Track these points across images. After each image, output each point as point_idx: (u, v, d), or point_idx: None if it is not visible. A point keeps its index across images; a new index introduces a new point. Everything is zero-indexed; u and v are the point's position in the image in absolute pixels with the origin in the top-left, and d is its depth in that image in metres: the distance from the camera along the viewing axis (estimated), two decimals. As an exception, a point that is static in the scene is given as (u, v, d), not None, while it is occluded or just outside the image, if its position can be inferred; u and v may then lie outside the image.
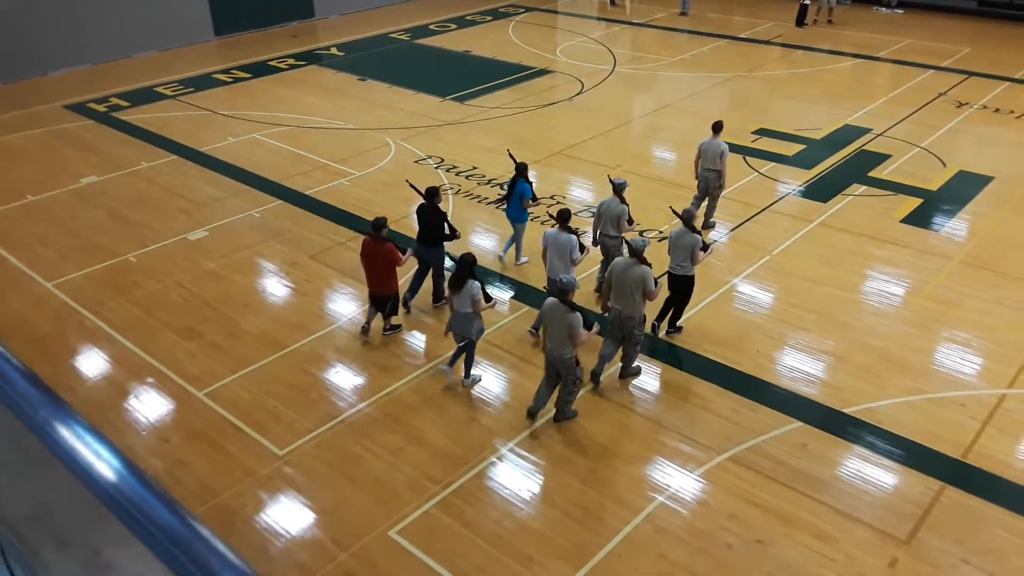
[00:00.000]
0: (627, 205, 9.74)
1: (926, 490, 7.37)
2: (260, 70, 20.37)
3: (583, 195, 13.27)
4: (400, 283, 9.84)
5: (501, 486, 7.53)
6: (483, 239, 12.03)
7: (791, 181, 13.48)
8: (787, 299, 10.31)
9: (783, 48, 21.36)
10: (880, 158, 14.26)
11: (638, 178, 13.68)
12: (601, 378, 8.78)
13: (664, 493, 7.41)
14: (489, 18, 25.55)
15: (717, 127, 11.43)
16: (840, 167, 14.00)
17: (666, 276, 9.36)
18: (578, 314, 7.62)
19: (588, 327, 7.72)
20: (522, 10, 26.55)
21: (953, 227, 11.96)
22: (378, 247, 9.12)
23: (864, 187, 13.21)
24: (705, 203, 11.83)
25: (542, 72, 19.72)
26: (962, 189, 13.10)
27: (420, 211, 9.81)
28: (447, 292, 8.61)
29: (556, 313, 7.69)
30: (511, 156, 11.45)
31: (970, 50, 20.72)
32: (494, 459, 7.84)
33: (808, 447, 7.87)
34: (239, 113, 17.26)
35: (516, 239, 11.05)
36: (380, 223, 9.10)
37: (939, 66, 19.38)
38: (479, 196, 13.22)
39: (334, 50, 22.31)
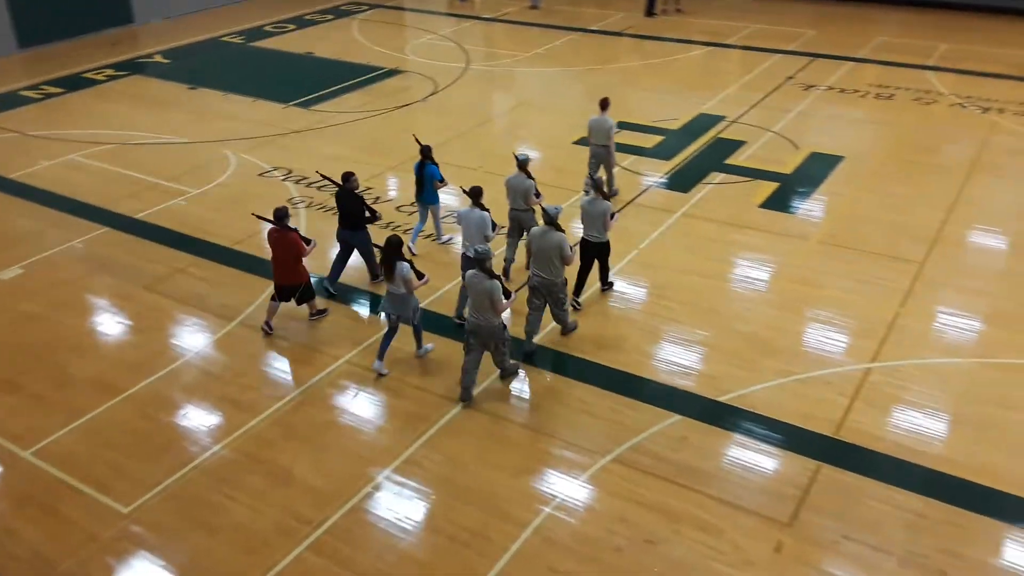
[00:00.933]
0: (533, 180, 10.60)
1: (804, 471, 7.82)
2: (75, 83, 19.20)
3: (445, 199, 13.25)
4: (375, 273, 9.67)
5: (379, 518, 7.41)
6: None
7: (652, 173, 14.03)
8: (658, 292, 10.70)
9: (635, 39, 22.21)
10: (735, 145, 15.08)
11: (500, 178, 13.80)
12: (535, 346, 9.48)
13: (551, 503, 7.50)
14: (330, 17, 25.17)
15: (604, 103, 12.35)
16: (698, 156, 14.69)
17: (578, 245, 10.05)
18: (496, 282, 8.25)
19: (507, 296, 8.39)
20: (365, 7, 26.32)
21: (809, 208, 12.79)
22: (282, 237, 9.46)
23: (723, 175, 13.91)
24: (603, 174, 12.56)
25: (392, 72, 19.61)
26: (815, 170, 14.04)
27: (338, 197, 10.41)
28: (381, 274, 9.18)
29: (475, 282, 8.31)
30: (416, 140, 11.80)
31: (814, 32, 22.27)
32: (369, 489, 7.70)
33: (688, 440, 8.19)
34: (53, 133, 16.18)
35: (435, 220, 11.84)
36: (281, 213, 9.43)
37: (786, 50, 20.71)
38: (332, 208, 12.96)
39: (159, 57, 21.34)
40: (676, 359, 9.40)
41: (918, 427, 8.30)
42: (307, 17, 25.17)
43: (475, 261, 8.37)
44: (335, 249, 10.83)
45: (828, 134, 15.58)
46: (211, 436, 8.38)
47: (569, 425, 8.43)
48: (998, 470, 7.77)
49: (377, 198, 13.22)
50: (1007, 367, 9.13)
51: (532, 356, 9.42)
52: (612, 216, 9.92)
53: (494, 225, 9.76)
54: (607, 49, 21.29)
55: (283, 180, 14.02)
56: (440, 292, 10.66)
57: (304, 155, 14.99)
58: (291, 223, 9.82)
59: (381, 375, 9.15)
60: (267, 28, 24.01)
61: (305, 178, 14.03)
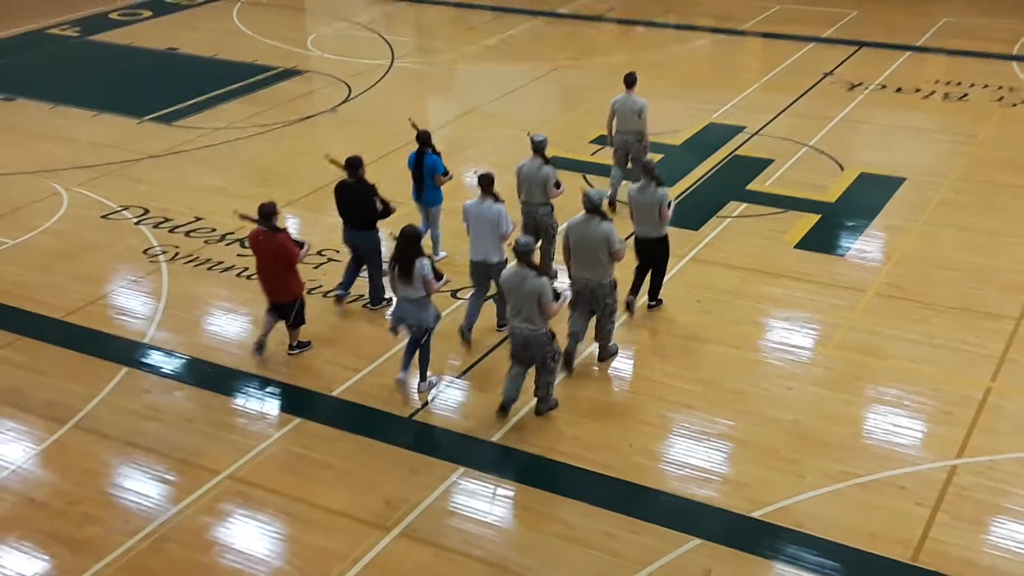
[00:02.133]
0: (552, 166, 11.54)
1: (873, 612, 7.81)
2: None
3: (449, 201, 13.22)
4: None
5: None
6: (225, 324, 11.70)
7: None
8: (662, 367, 10.73)
9: (619, 25, 22.72)
10: (760, 164, 15.38)
11: (443, 213, 13.86)
12: (576, 363, 10.37)
13: (521, 672, 7.36)
14: (201, 0, 25.34)
15: (630, 80, 13.74)
16: (710, 180, 14.94)
17: (634, 241, 11.20)
18: (545, 278, 9.09)
19: (556, 297, 9.23)
20: (250, -14, 26.62)
21: (862, 249, 13.02)
22: (269, 239, 10.24)
23: (744, 204, 14.14)
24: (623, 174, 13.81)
25: (289, 73, 19.75)
26: (868, 197, 14.34)
27: (341, 190, 11.33)
28: (391, 277, 9.79)
29: (517, 282, 9.13)
30: (413, 124, 12.41)
31: (857, 13, 23.01)
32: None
33: (713, 574, 8.13)
34: None
35: (432, 227, 12.47)
36: (269, 210, 10.21)
37: (821, 37, 21.33)
38: (209, 261, 12.88)
39: (-40, 57, 21.25)
40: (692, 461, 9.37)
41: (1025, 546, 8.36)
42: (169, 1, 25.31)
43: (517, 254, 9.19)
44: (214, 318, 10.77)
45: (883, 149, 15.96)
46: (34, 591, 8.13)
47: (547, 558, 8.32)
48: None
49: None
50: None
51: (571, 360, 10.37)
52: (669, 205, 10.96)
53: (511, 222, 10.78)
54: (583, 39, 21.72)
55: (137, 223, 13.91)
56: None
57: (166, 188, 14.92)
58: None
59: (420, 389, 10.27)
60: (112, 16, 24.08)
61: (168, 220, 13.94)
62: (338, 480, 9.21)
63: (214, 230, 13.68)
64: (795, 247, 13.03)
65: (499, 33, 22.18)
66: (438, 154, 12.24)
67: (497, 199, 10.69)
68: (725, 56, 21.04)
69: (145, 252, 13.20)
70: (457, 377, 10.61)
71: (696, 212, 13.97)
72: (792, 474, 9.14)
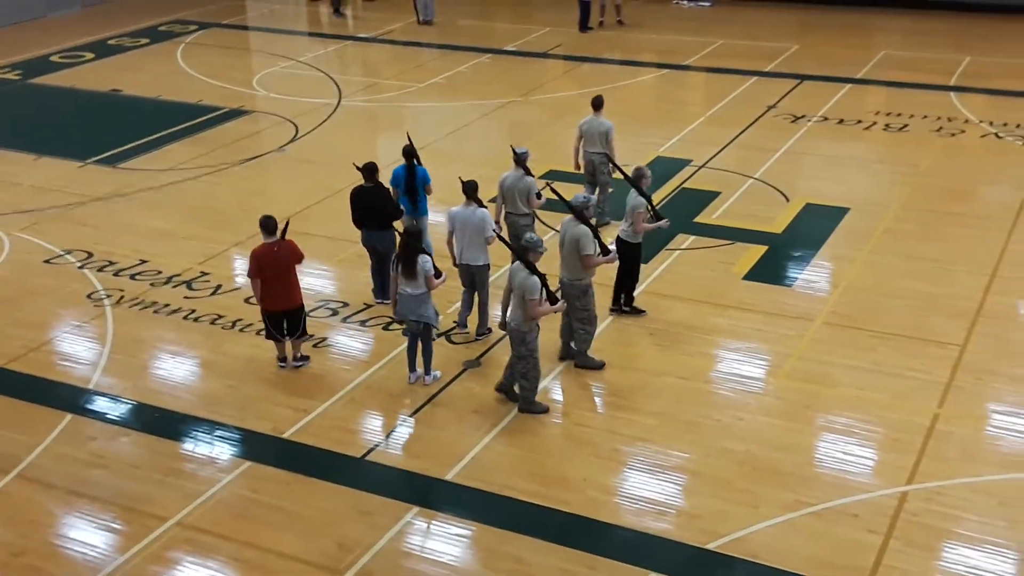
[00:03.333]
0: (534, 177, 12.47)
1: (829, 641, 7.84)
2: None
3: (319, 284, 13.17)
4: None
5: None
6: (172, 368, 11.57)
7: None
8: (615, 400, 10.77)
9: (565, 61, 22.93)
10: (707, 197, 15.55)
11: (389, 254, 13.88)
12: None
13: None
14: (145, 41, 25.27)
15: (597, 103, 14.39)
16: (658, 214, 15.01)
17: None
18: (536, 280, 9.67)
19: (553, 301, 10.03)
20: (194, 27, 26.56)
21: (809, 279, 13.17)
22: (282, 248, 10.82)
23: (692, 237, 14.27)
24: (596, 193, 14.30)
25: (235, 113, 19.70)
26: (813, 227, 14.53)
27: (361, 194, 12.06)
28: (394, 275, 10.59)
29: (514, 275, 9.87)
30: (408, 137, 12.93)
31: (798, 47, 23.41)
32: None
33: (669, 608, 8.13)
34: None
35: (425, 233, 12.64)
36: (272, 223, 10.81)
37: (764, 71, 21.67)
38: (155, 304, 12.75)
39: (-102, 102, 20.98)
40: (647, 494, 9.38)
41: (978, 571, 8.40)
42: (111, 42, 25.21)
43: (520, 251, 9.86)
44: (161, 365, 10.64)
45: (827, 179, 16.20)
46: (-24, 647, 7.93)
47: (501, 597, 8.28)
48: (1087, 623, 7.93)
49: (219, 286, 13.07)
50: (1085, 481, 9.43)
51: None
52: (656, 218, 11.90)
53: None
54: (529, 75, 21.88)
55: (81, 267, 13.76)
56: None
57: (111, 231, 14.79)
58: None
59: (425, 382, 10.93)
60: (54, 58, 23.90)
61: (112, 263, 13.80)
62: (290, 523, 9.10)
63: (159, 272, 13.55)
64: (743, 278, 13.16)
65: (445, 71, 22.29)
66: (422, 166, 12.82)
67: (481, 204, 11.35)
68: (670, 91, 21.29)
69: (89, 296, 13.04)
70: (409, 415, 10.56)
71: (646, 245, 14.00)
72: (746, 504, 9.18)
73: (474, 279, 11.69)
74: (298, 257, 11.02)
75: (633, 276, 12.19)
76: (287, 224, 11.15)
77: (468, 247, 11.42)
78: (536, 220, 12.78)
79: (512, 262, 10.19)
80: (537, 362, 10.21)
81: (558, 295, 10.34)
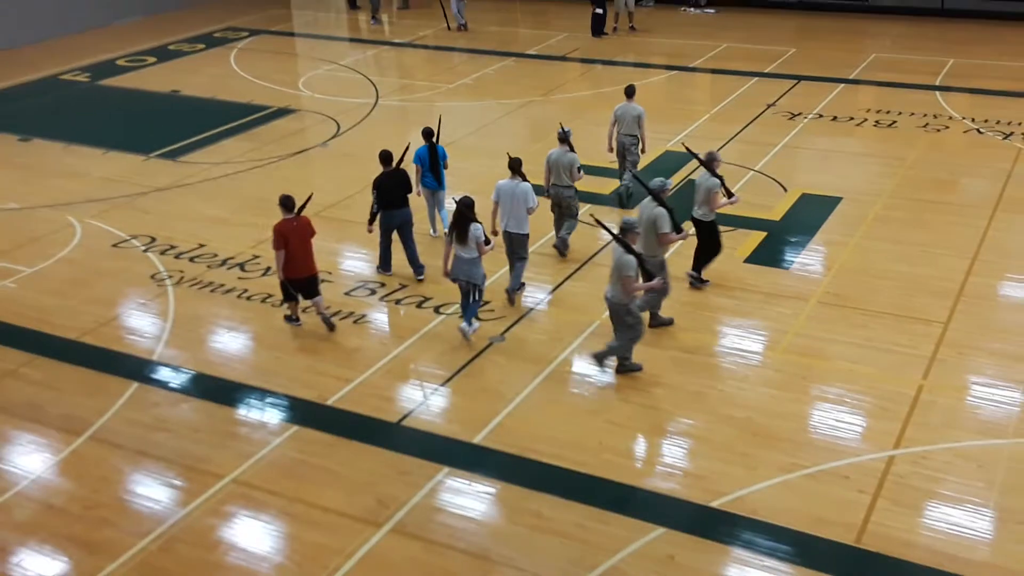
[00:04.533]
0: (575, 152, 12.72)
1: (821, 590, 7.83)
2: None
3: (359, 267, 13.22)
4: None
5: None
6: (227, 341, 11.64)
7: (612, 225, 14.20)
8: (629, 373, 10.73)
9: (582, 64, 22.83)
10: (712, 187, 15.44)
11: (426, 238, 13.86)
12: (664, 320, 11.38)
13: (504, 653, 7.33)
14: (201, 46, 25.32)
15: (630, 91, 14.66)
16: (729, 191, 14.95)
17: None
18: (631, 259, 9.85)
19: (649, 278, 10.21)
20: (245, 34, 26.58)
21: (805, 262, 13.10)
22: (301, 224, 11.14)
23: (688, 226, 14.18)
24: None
25: (282, 112, 19.73)
26: (809, 215, 14.45)
27: (385, 179, 12.30)
28: (448, 240, 10.90)
29: (615, 255, 9.99)
30: (437, 128, 13.46)
31: (796, 50, 23.23)
32: (266, 648, 7.42)
33: (676, 559, 8.13)
34: None
35: (440, 208, 13.61)
36: (291, 202, 11.11)
37: (764, 72, 21.51)
38: (211, 284, 12.82)
39: (-21, 102, 21.10)
40: (656, 456, 9.39)
41: (958, 528, 8.38)
42: (171, 47, 25.27)
43: (620, 231, 10.00)
44: (219, 336, 10.67)
45: (821, 171, 16.11)
46: (54, 590, 8.03)
47: (525, 548, 8.30)
48: (1058, 576, 7.89)
49: (269, 268, 13.11)
50: (1058, 446, 9.37)
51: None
52: (730, 196, 11.88)
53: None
54: (549, 76, 21.81)
55: (144, 251, 13.83)
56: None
57: (172, 218, 14.85)
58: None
59: (468, 332, 11.17)
60: (120, 62, 23.99)
61: (173, 247, 13.87)
62: (333, 481, 9.16)
63: (215, 255, 13.61)
64: (744, 261, 13.10)
65: (473, 72, 22.24)
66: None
67: (524, 178, 11.74)
68: (678, 91, 21.15)
69: (152, 277, 13.12)
70: (441, 385, 10.59)
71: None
72: (746, 467, 9.18)
73: (513, 245, 12.03)
74: (312, 231, 11.31)
75: (712, 249, 12.21)
76: (306, 201, 11.39)
77: (512, 217, 11.80)
78: (576, 192, 13.02)
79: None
80: (643, 327, 10.45)
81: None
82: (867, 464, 9.17)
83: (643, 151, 14.94)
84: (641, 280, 10.09)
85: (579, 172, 12.85)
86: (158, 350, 11.47)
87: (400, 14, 28.87)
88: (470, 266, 10.91)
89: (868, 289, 12.27)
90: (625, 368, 10.58)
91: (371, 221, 12.50)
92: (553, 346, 11.21)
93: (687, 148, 13.22)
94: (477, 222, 10.77)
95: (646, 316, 11.00)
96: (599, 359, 10.51)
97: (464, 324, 11.16)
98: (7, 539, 8.58)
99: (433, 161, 13.23)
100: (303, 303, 11.68)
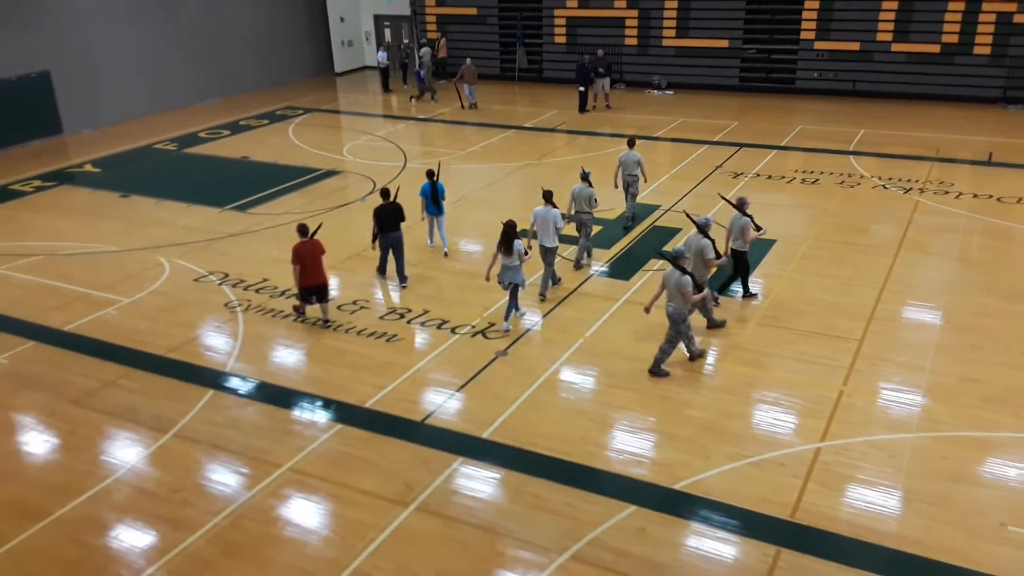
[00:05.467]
0: (593, 188, 13.57)
1: (763, 557, 7.74)
2: (0, 196, 18.84)
3: (394, 298, 13.21)
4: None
5: (327, 635, 7.03)
6: (285, 356, 11.60)
7: (594, 262, 14.24)
8: (607, 380, 10.71)
9: (568, 134, 22.93)
10: (672, 232, 15.47)
11: (445, 273, 13.86)
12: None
13: (507, 608, 7.23)
14: (266, 122, 25.44)
15: (631, 142, 15.73)
16: (637, 244, 15.02)
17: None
18: (688, 277, 10.25)
19: (699, 290, 10.73)
20: (301, 111, 26.72)
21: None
22: (313, 246, 11.86)
23: (660, 261, 14.16)
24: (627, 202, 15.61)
25: (330, 173, 19.79)
26: (751, 254, 14.23)
27: (382, 209, 13.07)
28: (496, 253, 11.63)
29: (671, 277, 10.34)
30: (438, 165, 15.13)
31: (738, 123, 23.31)
32: (316, 605, 7.33)
33: (646, 531, 8.06)
34: (-25, 245, 15.77)
35: (440, 230, 14.53)
36: (305, 228, 11.89)
37: (712, 140, 21.58)
38: (272, 310, 12.80)
39: (88, 167, 21.18)
40: (629, 448, 9.33)
41: (873, 505, 8.32)
42: (242, 123, 25.40)
43: (670, 259, 10.46)
44: (277, 352, 10.59)
45: (759, 219, 15.98)
46: (145, 558, 7.93)
47: (524, 523, 8.23)
48: (955, 546, 7.80)
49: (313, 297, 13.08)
50: (952, 440, 9.29)
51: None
52: (758, 229, 12.17)
53: (564, 217, 12.72)
54: (542, 144, 21.90)
55: (219, 284, 13.82)
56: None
57: (241, 259, 14.86)
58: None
59: (504, 327, 11.80)
60: (200, 134, 24.11)
61: (242, 281, 13.87)
62: (369, 469, 9.10)
63: (276, 287, 13.60)
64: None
65: (481, 141, 22.34)
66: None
67: (555, 206, 12.48)
68: (645, 155, 20.87)
69: (226, 305, 13.11)
70: (456, 391, 10.54)
71: (627, 267, 14.03)
72: (702, 456, 9.12)
73: (544, 256, 12.74)
74: (323, 250, 11.94)
75: (746, 271, 12.49)
76: (318, 228, 12.22)
77: (544, 234, 12.55)
78: (592, 216, 13.76)
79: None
80: (692, 334, 10.79)
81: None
82: (799, 454, 9.11)
83: (645, 181, 15.91)
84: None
85: (595, 202, 13.65)
86: (230, 363, 11.43)
87: (425, 97, 29.06)
88: (514, 272, 11.62)
89: (798, 313, 12.24)
90: (659, 371, 10.71)
91: (373, 240, 13.34)
92: (546, 360, 11.18)
93: (722, 196, 13.92)
94: (519, 239, 11.53)
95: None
96: (658, 365, 10.68)
97: (507, 324, 11.87)
98: (108, 517, 8.52)
99: (434, 194, 14.20)
100: (313, 311, 12.44)
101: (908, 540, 7.87)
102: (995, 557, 7.64)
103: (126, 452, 9.57)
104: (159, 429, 9.95)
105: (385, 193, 13.28)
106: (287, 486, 8.87)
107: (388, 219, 13.13)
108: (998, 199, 16.62)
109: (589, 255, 14.01)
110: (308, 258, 11.78)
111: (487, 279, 11.88)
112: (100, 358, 11.58)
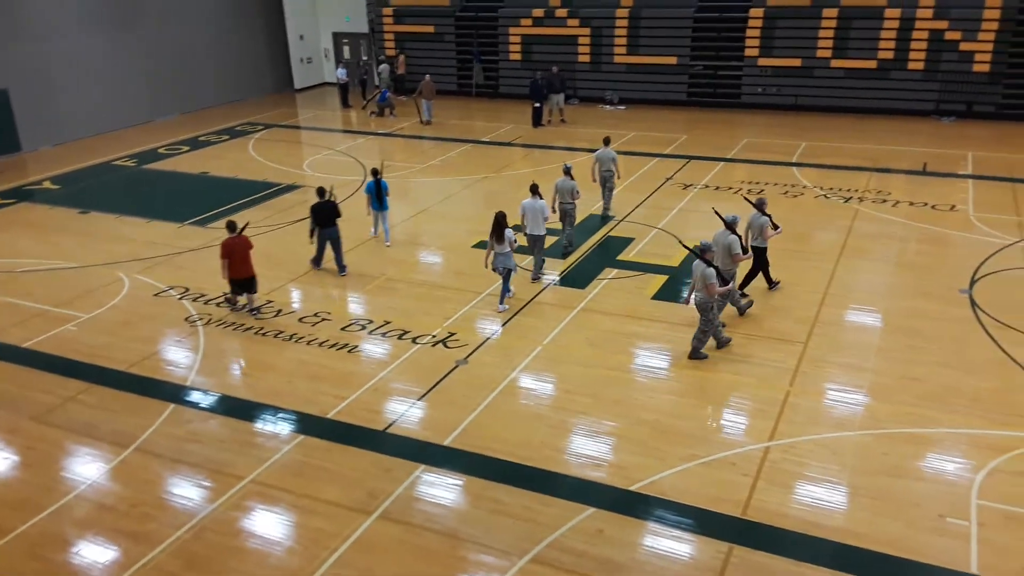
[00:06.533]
0: (575, 181, 14.63)
1: (717, 554, 7.82)
2: (-45, 212, 18.35)
3: (353, 309, 13.11)
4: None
5: (290, 644, 6.92)
6: (247, 369, 11.43)
7: (550, 272, 14.30)
8: (564, 386, 10.74)
9: (524, 148, 23.03)
10: (625, 242, 15.61)
11: (406, 284, 13.81)
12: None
13: (469, 612, 7.20)
14: (226, 137, 25.13)
15: (607, 141, 16.64)
16: (592, 254, 15.12)
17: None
18: (712, 270, 10.69)
19: (724, 283, 11.05)
20: (260, 127, 26.45)
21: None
22: (240, 240, 12.36)
23: (616, 270, 14.32)
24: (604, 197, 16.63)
25: (290, 187, 19.61)
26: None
27: (320, 208, 13.82)
28: (491, 241, 12.41)
29: (697, 268, 10.79)
30: (382, 164, 16.10)
31: (687, 137, 23.64)
32: (279, 614, 7.22)
33: (604, 532, 8.09)
34: (-70, 263, 15.31)
35: (384, 223, 15.44)
36: (233, 225, 12.46)
37: (663, 153, 21.85)
38: (234, 324, 12.63)
39: (47, 183, 20.71)
40: (586, 451, 9.37)
41: (819, 501, 8.46)
42: (201, 138, 25.06)
43: (698, 252, 10.83)
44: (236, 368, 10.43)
45: (708, 228, 16.19)
46: (107, 573, 7.75)
47: (485, 527, 8.21)
48: (896, 538, 7.97)
49: (280, 310, 12.96)
50: (892, 437, 9.50)
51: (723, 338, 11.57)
52: (775, 227, 12.77)
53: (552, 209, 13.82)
54: (499, 158, 21.97)
55: (180, 299, 13.60)
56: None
57: (201, 273, 14.63)
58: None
59: (499, 308, 12.59)
60: (160, 150, 23.74)
61: (203, 295, 13.66)
62: (332, 479, 9.01)
63: (236, 302, 13.42)
64: (651, 298, 13.20)
65: (439, 155, 22.33)
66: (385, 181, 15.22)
67: (540, 197, 13.42)
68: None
69: (186, 319, 12.90)
70: (417, 400, 10.50)
71: (583, 276, 14.11)
72: (657, 458, 9.19)
73: (535, 243, 13.60)
74: (250, 245, 12.50)
75: (765, 266, 13.04)
76: (245, 225, 12.93)
77: (532, 223, 13.38)
78: (575, 208, 14.84)
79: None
80: (718, 323, 11.23)
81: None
82: (749, 453, 9.23)
83: (618, 177, 16.89)
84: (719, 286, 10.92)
85: (578, 193, 14.67)
86: (191, 377, 11.24)
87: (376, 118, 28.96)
88: (506, 258, 12.46)
89: (746, 318, 12.41)
90: (698, 355, 11.17)
91: (311, 234, 14.11)
92: (505, 368, 11.19)
93: (745, 197, 14.76)
94: (510, 228, 12.41)
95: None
96: (696, 352, 11.14)
97: (501, 306, 12.65)
98: (69, 533, 8.31)
99: (378, 191, 15.13)
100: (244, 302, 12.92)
101: (852, 533, 8.02)
102: (934, 547, 7.82)
103: (87, 468, 9.35)
104: (120, 444, 9.74)
105: (321, 192, 14.00)
106: (249, 498, 8.74)
107: (324, 216, 13.88)
108: (932, 206, 17.07)
109: (542, 267, 14.04)
110: (236, 252, 12.31)
111: (486, 267, 12.69)
112: (60, 374, 11.31)
